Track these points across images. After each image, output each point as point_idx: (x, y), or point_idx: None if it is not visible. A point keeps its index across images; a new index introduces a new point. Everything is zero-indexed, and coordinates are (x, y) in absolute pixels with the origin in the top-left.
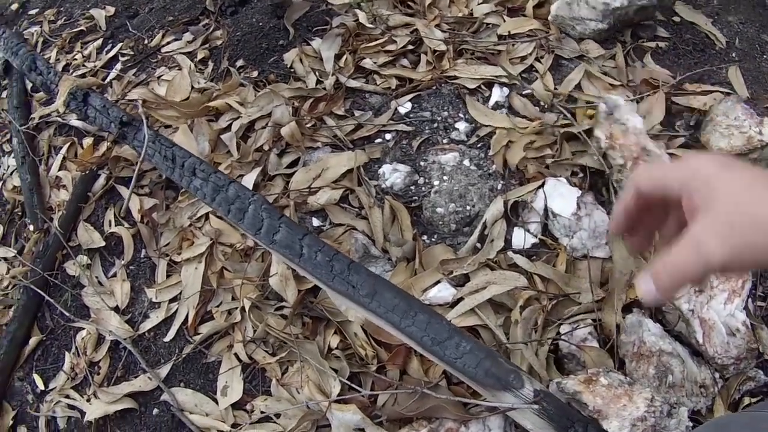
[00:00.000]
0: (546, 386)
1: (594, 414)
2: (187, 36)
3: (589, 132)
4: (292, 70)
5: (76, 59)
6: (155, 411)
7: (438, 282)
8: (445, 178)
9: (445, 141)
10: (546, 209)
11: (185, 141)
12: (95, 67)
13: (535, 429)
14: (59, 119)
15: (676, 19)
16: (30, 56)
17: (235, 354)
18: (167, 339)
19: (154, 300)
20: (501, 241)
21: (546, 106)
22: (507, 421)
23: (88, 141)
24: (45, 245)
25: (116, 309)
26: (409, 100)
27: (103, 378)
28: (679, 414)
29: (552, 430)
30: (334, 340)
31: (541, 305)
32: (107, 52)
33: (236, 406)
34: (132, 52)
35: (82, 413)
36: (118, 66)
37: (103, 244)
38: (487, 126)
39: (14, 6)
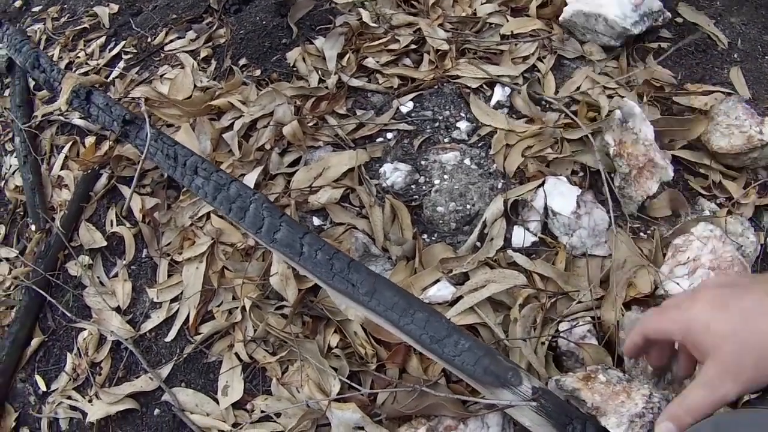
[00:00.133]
0: (545, 384)
1: (592, 411)
2: (191, 34)
3: (592, 133)
4: (294, 68)
5: (79, 57)
6: (156, 411)
7: (438, 280)
8: (445, 177)
9: (446, 140)
10: (546, 208)
11: (187, 140)
12: (98, 65)
13: (534, 426)
14: (62, 118)
15: (679, 20)
16: (33, 53)
17: (236, 353)
18: (168, 339)
19: (155, 300)
20: (501, 239)
21: (547, 106)
22: (505, 419)
23: (90, 140)
24: (47, 245)
25: (118, 309)
26: (411, 100)
27: (105, 378)
28: None
29: (550, 427)
30: (334, 339)
31: (540, 303)
32: (110, 50)
33: (237, 405)
34: (135, 50)
35: (84, 414)
36: (121, 64)
37: (104, 243)
38: (488, 125)
39: (18, 3)
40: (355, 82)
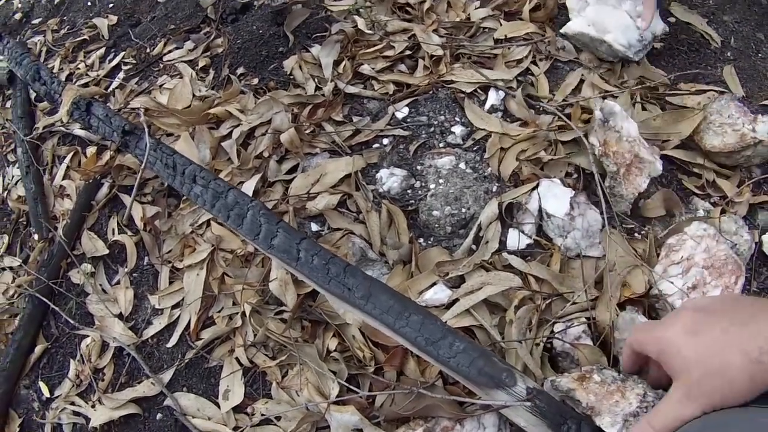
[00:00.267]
0: (541, 384)
1: (587, 411)
2: (189, 44)
3: (585, 135)
4: (291, 76)
5: (79, 68)
6: (159, 416)
7: (434, 284)
8: (441, 181)
9: (441, 145)
10: (540, 210)
11: (186, 149)
12: (98, 76)
13: (529, 426)
14: (63, 129)
15: (672, 19)
16: (34, 66)
17: (236, 358)
18: (170, 345)
19: (157, 306)
20: (496, 242)
21: (541, 109)
22: (501, 419)
23: (91, 150)
24: (50, 254)
25: (120, 316)
26: (407, 105)
27: (108, 384)
28: None
29: (545, 427)
30: (332, 343)
31: (535, 305)
32: (110, 61)
33: (237, 409)
34: (134, 61)
35: (87, 419)
36: (121, 75)
37: (106, 252)
38: (482, 129)
39: (18, 15)
40: (351, 89)
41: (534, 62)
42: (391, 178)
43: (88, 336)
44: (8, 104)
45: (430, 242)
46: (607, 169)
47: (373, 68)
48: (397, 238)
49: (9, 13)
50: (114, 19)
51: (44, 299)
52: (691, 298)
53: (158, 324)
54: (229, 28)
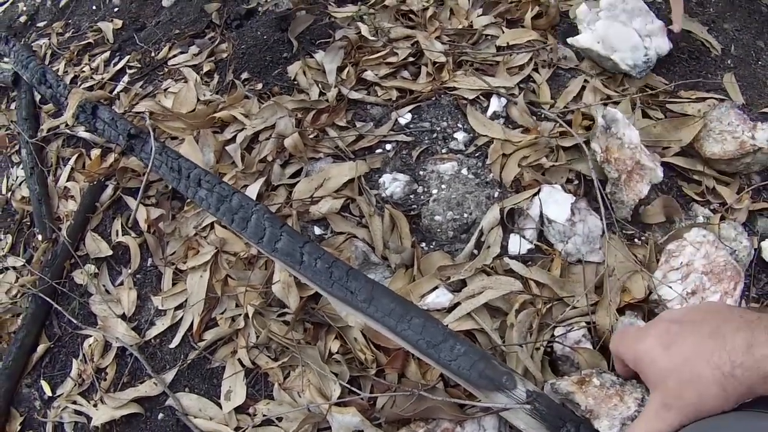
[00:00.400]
0: (541, 388)
1: (586, 414)
2: (193, 49)
3: (586, 142)
4: (295, 82)
5: (83, 72)
6: (160, 416)
7: (436, 288)
8: (443, 186)
9: (444, 151)
10: (541, 216)
11: (191, 152)
12: (103, 79)
13: (528, 429)
14: (67, 131)
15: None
16: (40, 69)
17: (239, 359)
18: (172, 345)
19: (160, 307)
20: (497, 247)
21: (543, 116)
22: (501, 422)
23: (95, 152)
24: (53, 254)
25: (123, 316)
26: (409, 111)
27: (110, 384)
28: None
29: (544, 430)
30: (334, 345)
31: (536, 309)
32: (115, 65)
33: (239, 410)
34: (139, 65)
35: (89, 419)
36: (126, 78)
37: (110, 253)
38: (484, 136)
39: (23, 18)
40: (355, 95)
41: (536, 69)
42: (393, 183)
43: (90, 336)
44: (13, 106)
45: (432, 247)
46: (609, 176)
47: (376, 74)
48: (400, 242)
49: (14, 16)
50: (119, 23)
51: (47, 299)
52: (668, 309)
53: (161, 325)
54: (234, 33)
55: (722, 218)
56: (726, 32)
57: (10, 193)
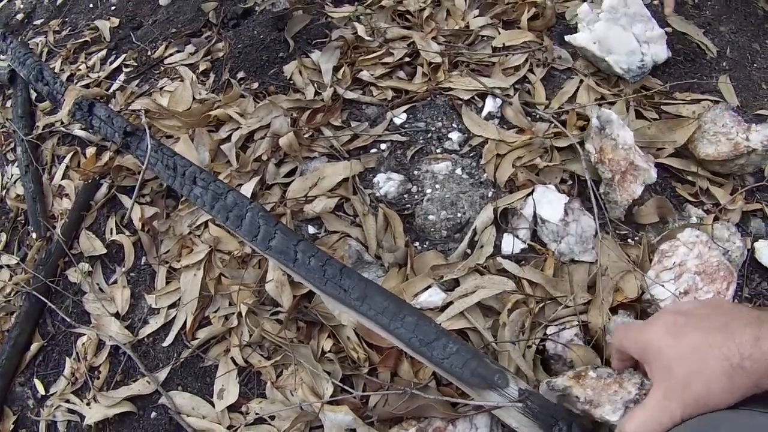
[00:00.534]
0: (534, 386)
1: (586, 405)
2: (190, 48)
3: (580, 143)
4: (291, 81)
5: (80, 69)
6: (153, 414)
7: (429, 287)
8: (437, 186)
9: (438, 151)
10: (535, 216)
11: (186, 150)
12: (99, 77)
13: (520, 427)
14: (63, 129)
15: (668, 30)
16: (37, 66)
17: (232, 358)
18: (166, 344)
19: (153, 306)
20: (490, 246)
21: (537, 116)
22: (493, 420)
23: (91, 150)
24: (47, 253)
25: (116, 315)
26: (405, 111)
27: (103, 382)
28: None
29: (536, 428)
30: (327, 344)
31: (528, 308)
32: (111, 63)
33: (232, 408)
34: (135, 63)
35: (82, 417)
36: (122, 77)
37: (104, 251)
38: (479, 136)
39: (20, 16)
40: (350, 95)
41: (531, 70)
42: (388, 183)
43: (84, 334)
44: (9, 103)
45: (425, 246)
46: (603, 176)
47: (372, 74)
48: (393, 241)
49: (11, 13)
50: (116, 21)
51: (41, 297)
52: (673, 302)
53: (154, 323)
54: (230, 32)
55: (716, 219)
56: (722, 35)
57: (4, 191)
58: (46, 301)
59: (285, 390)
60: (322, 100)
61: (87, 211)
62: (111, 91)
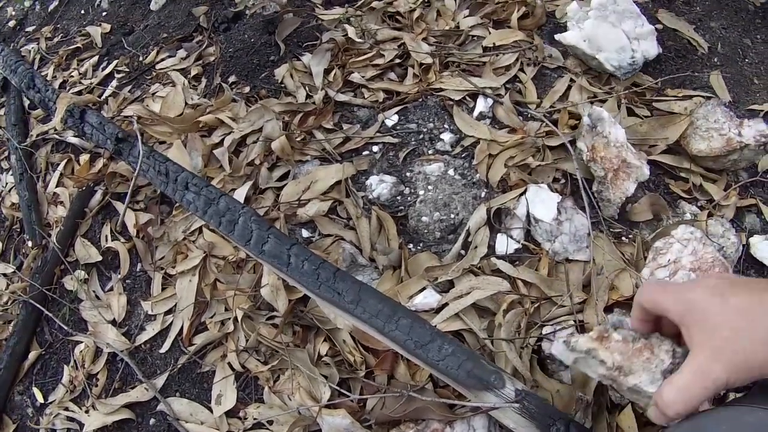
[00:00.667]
0: (531, 387)
1: (614, 371)
2: (181, 53)
3: (572, 141)
4: (282, 85)
5: (72, 76)
6: (152, 421)
7: (423, 289)
8: (430, 187)
9: (430, 152)
10: (528, 215)
11: (179, 156)
12: (91, 84)
13: (518, 428)
14: (56, 136)
15: (659, 26)
16: (28, 74)
17: (229, 363)
18: (163, 350)
19: (150, 312)
20: (484, 247)
21: (529, 116)
22: (491, 421)
23: (84, 157)
24: (43, 261)
25: (113, 322)
26: (396, 113)
27: (101, 390)
28: None
29: (534, 428)
30: (323, 348)
31: (523, 308)
32: (103, 69)
33: (230, 413)
34: (127, 69)
35: (81, 425)
36: (114, 83)
37: (99, 258)
38: (471, 136)
39: (12, 23)
40: (342, 97)
41: (522, 70)
42: (380, 185)
43: (81, 342)
44: (2, 111)
45: (419, 248)
46: (595, 174)
47: (363, 76)
48: (387, 243)
49: (3, 20)
50: (107, 27)
51: (38, 305)
52: (711, 272)
53: (151, 330)
54: (221, 36)
55: (710, 215)
56: (713, 30)
57: None
58: (43, 309)
59: (282, 394)
60: (314, 103)
61: (82, 218)
62: (103, 97)
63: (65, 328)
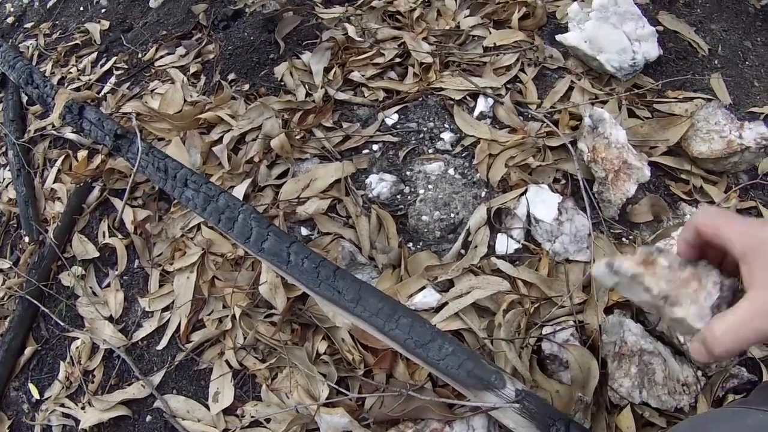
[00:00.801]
0: (531, 387)
1: (660, 299)
2: (180, 50)
3: (572, 142)
4: (282, 83)
5: (71, 72)
6: (148, 418)
7: (423, 288)
8: (430, 187)
9: (430, 151)
10: (528, 215)
11: (178, 153)
12: (90, 80)
13: (518, 428)
14: (54, 132)
15: (660, 28)
16: (27, 70)
17: (226, 361)
18: (160, 347)
19: (147, 309)
20: (484, 247)
21: (529, 116)
22: (490, 421)
23: (82, 154)
24: (40, 256)
25: (110, 318)
26: (396, 112)
27: (98, 386)
28: None
29: (534, 428)
30: (322, 346)
31: (523, 308)
32: (102, 66)
33: (227, 411)
34: (126, 66)
35: (77, 421)
36: (113, 79)
37: (97, 255)
38: (471, 136)
39: (10, 19)
40: (342, 96)
41: (522, 70)
42: (380, 184)
43: (78, 338)
44: (0, 107)
45: (419, 247)
46: (596, 175)
47: (363, 75)
48: (387, 242)
49: (1, 16)
50: (106, 24)
51: (34, 301)
52: None
53: (148, 326)
54: (221, 34)
55: None
56: (713, 33)
57: None
58: (39, 305)
59: (280, 392)
60: (314, 101)
61: (79, 214)
62: (102, 93)
63: (62, 324)
